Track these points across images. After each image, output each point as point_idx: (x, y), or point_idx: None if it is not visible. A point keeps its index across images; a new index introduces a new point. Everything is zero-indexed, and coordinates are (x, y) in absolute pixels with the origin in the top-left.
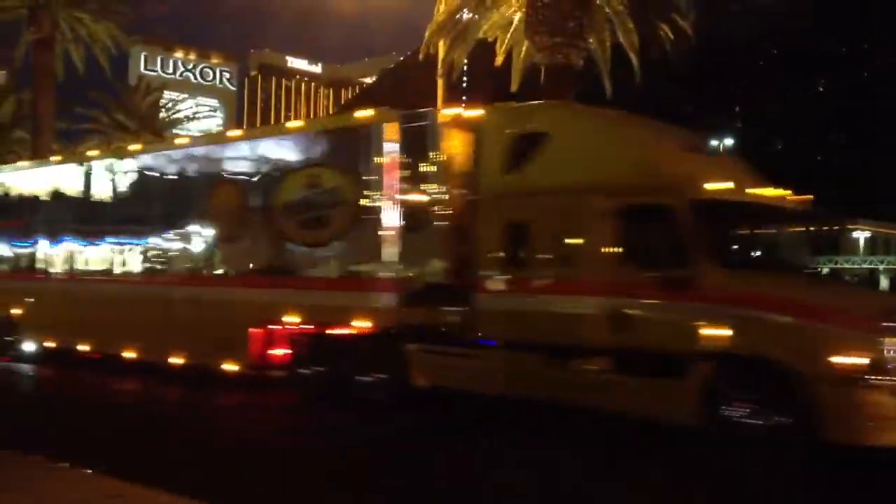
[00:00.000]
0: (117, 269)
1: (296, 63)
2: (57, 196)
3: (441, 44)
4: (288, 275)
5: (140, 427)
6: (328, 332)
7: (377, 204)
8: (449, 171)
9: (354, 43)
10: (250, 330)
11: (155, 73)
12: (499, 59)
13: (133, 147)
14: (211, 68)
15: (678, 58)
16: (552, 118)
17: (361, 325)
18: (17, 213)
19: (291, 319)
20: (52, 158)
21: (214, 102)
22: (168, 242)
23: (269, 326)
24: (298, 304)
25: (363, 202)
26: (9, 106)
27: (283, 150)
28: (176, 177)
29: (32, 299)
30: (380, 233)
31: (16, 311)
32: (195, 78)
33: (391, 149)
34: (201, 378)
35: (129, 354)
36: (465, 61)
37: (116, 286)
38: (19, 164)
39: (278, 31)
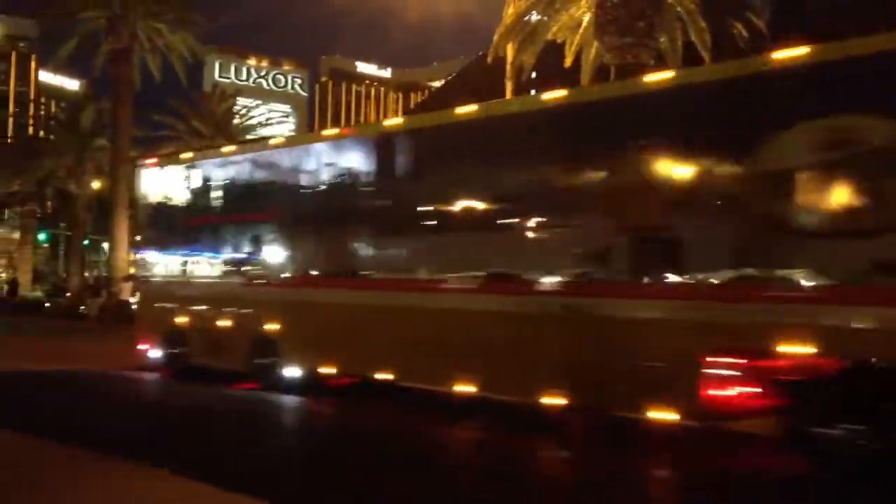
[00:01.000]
0: (438, 274)
1: (365, 68)
2: (342, 179)
3: (510, 46)
4: (783, 282)
5: None
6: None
7: None
8: None
9: (423, 47)
10: (704, 360)
11: (229, 81)
12: (568, 61)
13: (471, 109)
14: (283, 75)
15: (753, 55)
16: None
17: None
18: (266, 203)
19: (787, 349)
20: (327, 132)
21: (286, 108)
22: (539, 234)
23: (733, 357)
24: (801, 326)
25: None
26: (89, 115)
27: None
28: (544, 144)
29: (298, 312)
30: None
31: (272, 327)
32: (268, 84)
33: None
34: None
35: (464, 388)
36: (534, 63)
37: (438, 297)
38: (273, 140)
39: (348, 38)
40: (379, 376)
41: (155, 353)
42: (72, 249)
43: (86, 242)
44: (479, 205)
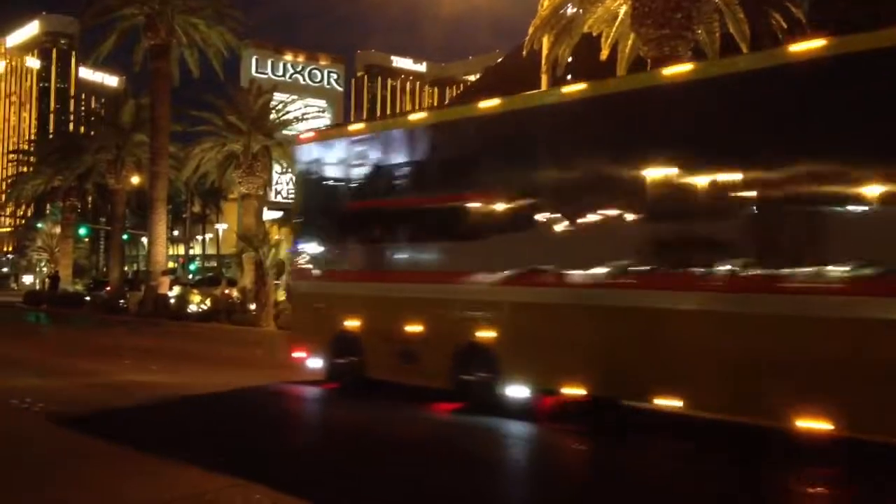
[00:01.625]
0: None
1: (400, 63)
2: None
3: (545, 39)
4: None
5: None
6: None
7: None
8: None
9: (458, 41)
10: None
11: (265, 76)
12: (604, 53)
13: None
14: (319, 70)
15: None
16: None
17: None
18: (481, 180)
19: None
20: (568, 90)
21: (322, 103)
22: None
23: None
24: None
25: None
26: (129, 111)
27: None
28: None
29: (531, 316)
30: None
31: (488, 335)
32: (304, 79)
33: None
34: None
35: (818, 425)
36: (569, 56)
37: (796, 300)
38: (494, 102)
39: (383, 32)
40: (662, 401)
41: (315, 363)
42: (111, 244)
43: (125, 237)
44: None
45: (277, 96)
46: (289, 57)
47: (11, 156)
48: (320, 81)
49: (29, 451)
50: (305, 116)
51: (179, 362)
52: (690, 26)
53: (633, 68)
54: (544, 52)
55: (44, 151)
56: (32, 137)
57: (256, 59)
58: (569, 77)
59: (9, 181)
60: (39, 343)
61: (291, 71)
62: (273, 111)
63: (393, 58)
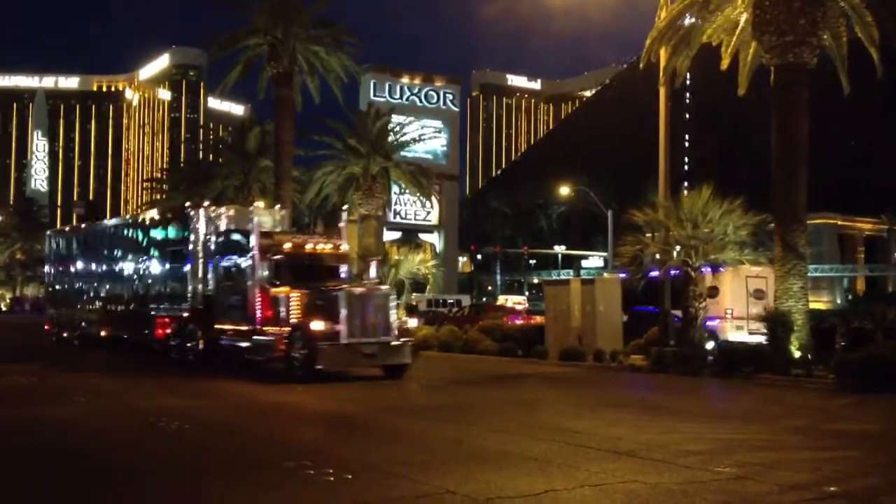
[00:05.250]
0: None
1: (515, 81)
2: None
3: (662, 51)
4: None
5: None
6: None
7: None
8: None
9: (573, 57)
10: None
11: (383, 99)
12: (724, 63)
13: None
14: (435, 91)
15: None
16: None
17: None
18: None
19: None
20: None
21: (438, 124)
22: None
23: None
24: None
25: None
26: (254, 137)
27: None
28: None
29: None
30: None
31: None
32: (420, 101)
33: None
34: None
35: None
36: (688, 67)
37: None
38: None
39: (498, 50)
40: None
41: None
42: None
43: None
44: None
45: (395, 118)
46: (405, 79)
47: (146, 184)
48: (436, 102)
49: None
50: (422, 137)
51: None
52: (816, 32)
53: (755, 77)
54: (662, 63)
55: (175, 179)
56: (165, 166)
57: (374, 83)
58: (687, 97)
59: (144, 208)
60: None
61: (408, 93)
62: (391, 133)
63: (508, 76)
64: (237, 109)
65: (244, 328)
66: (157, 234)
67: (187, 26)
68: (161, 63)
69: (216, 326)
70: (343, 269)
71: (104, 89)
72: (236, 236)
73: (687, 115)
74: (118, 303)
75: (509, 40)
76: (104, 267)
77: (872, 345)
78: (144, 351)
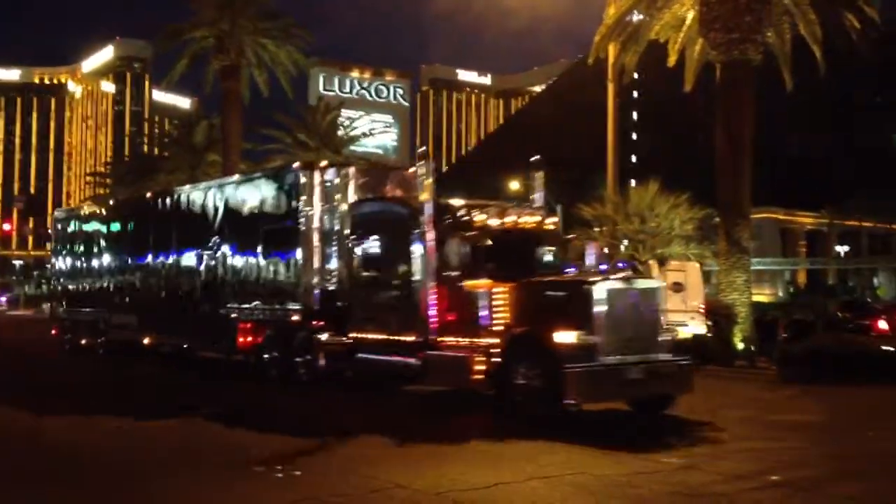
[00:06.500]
0: None
1: (465, 76)
2: None
3: (611, 47)
4: None
5: None
6: None
7: None
8: None
9: (523, 52)
10: None
11: (333, 93)
12: (671, 60)
13: None
14: (385, 85)
15: (865, 48)
16: None
17: None
18: None
19: None
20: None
21: (389, 118)
22: None
23: None
24: None
25: None
26: (201, 131)
27: None
28: None
29: None
30: None
31: None
32: (370, 95)
33: None
34: None
35: None
36: (636, 64)
37: None
38: None
39: (447, 45)
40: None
41: None
42: None
43: None
44: None
45: (345, 112)
46: (355, 73)
47: (89, 178)
48: (386, 97)
49: None
50: (373, 132)
51: None
52: (760, 29)
53: (701, 74)
54: (610, 60)
55: (119, 173)
56: (108, 160)
57: (324, 77)
58: (634, 94)
59: (87, 202)
60: None
61: (358, 87)
62: (341, 127)
63: (458, 71)
64: (183, 103)
65: (406, 338)
66: (241, 207)
67: (132, 18)
68: (105, 55)
69: (349, 335)
70: (546, 253)
71: (46, 81)
72: (386, 207)
73: (635, 113)
74: (173, 302)
75: (460, 35)
76: (149, 255)
77: (813, 336)
78: (213, 365)
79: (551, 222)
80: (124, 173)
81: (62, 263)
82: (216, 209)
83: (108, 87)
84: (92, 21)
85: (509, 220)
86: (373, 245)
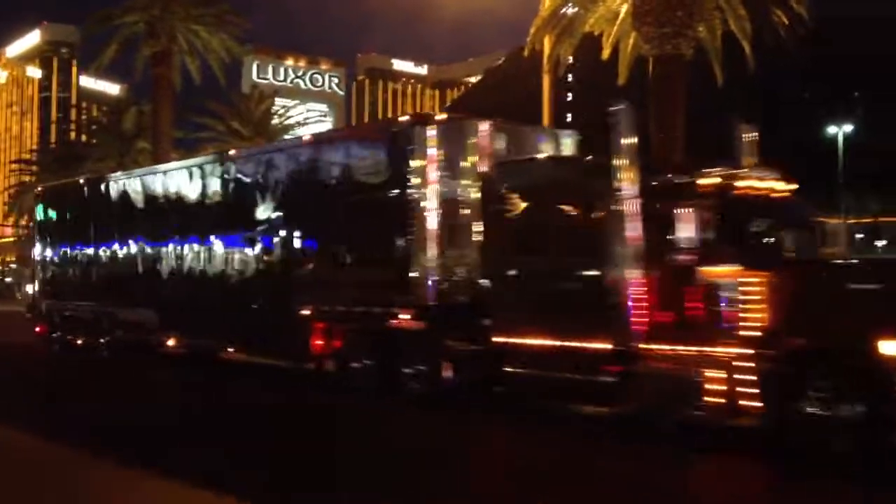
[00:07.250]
0: None
1: (401, 65)
2: None
3: (546, 40)
4: None
5: None
6: None
7: None
8: None
9: (459, 43)
10: None
11: (267, 81)
12: (605, 53)
13: None
14: (320, 74)
15: (794, 44)
16: None
17: None
18: None
19: None
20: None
21: (324, 108)
22: None
23: None
24: None
25: None
26: (130, 118)
27: None
28: None
29: None
30: None
31: None
32: (305, 84)
33: None
34: None
35: None
36: (571, 57)
37: None
38: None
39: (384, 34)
40: None
41: None
42: None
43: None
44: None
45: (279, 101)
46: (290, 62)
47: (14, 165)
48: (321, 86)
49: None
50: (308, 121)
51: None
52: (692, 24)
53: (635, 67)
54: (546, 52)
55: (46, 160)
56: (34, 147)
57: (258, 65)
58: (570, 77)
59: (11, 191)
60: None
61: (293, 76)
62: (275, 116)
63: (394, 61)
64: (112, 89)
65: (592, 345)
66: (319, 175)
67: (60, 2)
68: (31, 39)
69: (494, 340)
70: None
71: None
72: (558, 170)
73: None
74: (212, 295)
75: (397, 24)
76: (176, 238)
77: None
78: (267, 372)
79: (791, 191)
80: (51, 161)
81: (49, 250)
82: (278, 180)
83: (35, 72)
84: (18, 4)
85: (760, 185)
86: (530, 220)
